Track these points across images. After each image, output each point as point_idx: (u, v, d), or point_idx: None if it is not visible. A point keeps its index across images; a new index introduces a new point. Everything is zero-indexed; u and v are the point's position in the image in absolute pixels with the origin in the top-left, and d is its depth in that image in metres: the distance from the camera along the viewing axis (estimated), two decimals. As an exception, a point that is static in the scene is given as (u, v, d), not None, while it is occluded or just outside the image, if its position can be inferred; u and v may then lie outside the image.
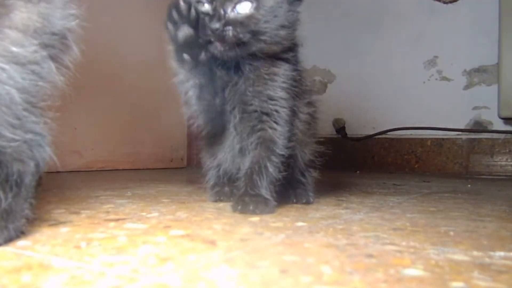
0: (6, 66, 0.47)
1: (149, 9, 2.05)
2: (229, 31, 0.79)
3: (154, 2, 2.07)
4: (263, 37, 0.81)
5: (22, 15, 0.49)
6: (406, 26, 2.35)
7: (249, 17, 0.79)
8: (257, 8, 0.79)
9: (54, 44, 0.53)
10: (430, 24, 2.29)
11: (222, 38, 0.79)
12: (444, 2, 2.25)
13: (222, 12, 0.79)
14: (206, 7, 0.80)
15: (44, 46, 0.51)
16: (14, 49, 0.48)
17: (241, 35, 0.79)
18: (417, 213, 0.85)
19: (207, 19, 0.80)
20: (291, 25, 0.84)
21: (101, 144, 1.98)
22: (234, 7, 0.79)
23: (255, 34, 0.81)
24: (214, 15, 0.79)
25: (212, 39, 0.80)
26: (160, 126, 2.25)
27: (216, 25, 0.78)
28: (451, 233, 0.66)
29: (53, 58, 0.53)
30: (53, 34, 0.52)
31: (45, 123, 0.53)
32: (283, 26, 0.83)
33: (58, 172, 1.55)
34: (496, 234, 0.67)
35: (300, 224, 0.71)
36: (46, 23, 0.51)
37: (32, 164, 0.52)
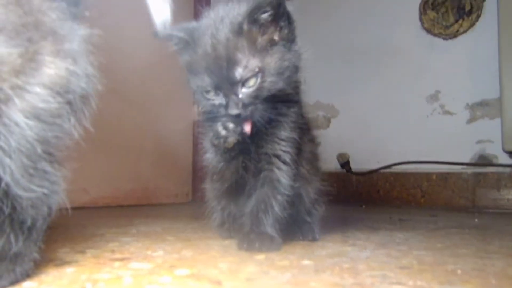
0: (31, 122, 0.49)
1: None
2: (252, 110, 0.80)
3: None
4: (278, 93, 0.82)
5: (50, 71, 0.51)
6: (407, 61, 2.38)
7: (260, 87, 0.80)
8: (264, 76, 0.79)
9: (77, 100, 0.55)
10: (431, 59, 2.32)
11: (245, 119, 0.81)
12: (444, 38, 2.29)
13: (234, 97, 0.79)
14: (217, 99, 0.82)
15: (68, 102, 0.53)
16: (40, 105, 0.50)
17: (260, 106, 0.80)
18: (424, 250, 0.84)
19: (222, 109, 0.81)
20: (296, 69, 0.85)
21: (106, 180, 1.99)
22: (243, 86, 0.79)
23: (272, 96, 0.81)
24: (228, 102, 0.80)
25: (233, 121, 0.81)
26: (165, 161, 2.27)
27: (235, 111, 0.79)
28: (459, 271, 0.65)
29: (74, 112, 0.55)
30: (76, 91, 0.54)
31: (62, 172, 0.54)
32: (289, 75, 0.83)
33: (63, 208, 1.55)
34: (505, 273, 0.66)
35: (306, 262, 0.71)
36: (71, 80, 0.53)
37: (45, 209, 0.53)
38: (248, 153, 0.86)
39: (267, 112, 0.82)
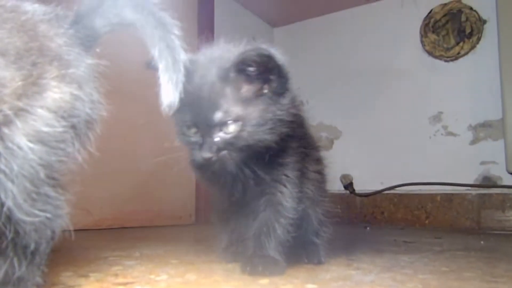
0: (35, 146, 0.49)
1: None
2: (224, 155, 0.79)
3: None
4: (258, 144, 0.79)
5: (54, 95, 0.52)
6: (409, 83, 2.40)
7: (238, 136, 0.78)
8: (244, 125, 0.78)
9: (81, 125, 0.55)
10: (433, 81, 2.34)
11: (218, 164, 0.80)
12: (445, 60, 2.31)
13: (210, 139, 0.79)
14: (195, 137, 0.81)
15: (72, 126, 0.54)
16: (44, 129, 0.50)
17: (233, 154, 0.79)
18: (429, 274, 0.83)
19: (196, 147, 0.80)
20: (281, 122, 0.81)
21: (109, 202, 1.98)
22: (221, 129, 0.78)
23: (248, 146, 0.79)
24: (203, 143, 0.79)
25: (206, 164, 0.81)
26: (168, 183, 2.26)
27: (207, 154, 0.78)
28: (465, 296, 0.64)
29: (78, 136, 0.55)
30: (81, 116, 0.55)
31: (65, 196, 0.54)
32: (272, 128, 0.79)
33: (66, 230, 1.55)
34: (511, 297, 0.65)
35: (310, 286, 0.70)
36: (76, 105, 0.54)
37: (48, 233, 0.53)
38: (248, 178, 0.86)
39: (248, 163, 0.81)
